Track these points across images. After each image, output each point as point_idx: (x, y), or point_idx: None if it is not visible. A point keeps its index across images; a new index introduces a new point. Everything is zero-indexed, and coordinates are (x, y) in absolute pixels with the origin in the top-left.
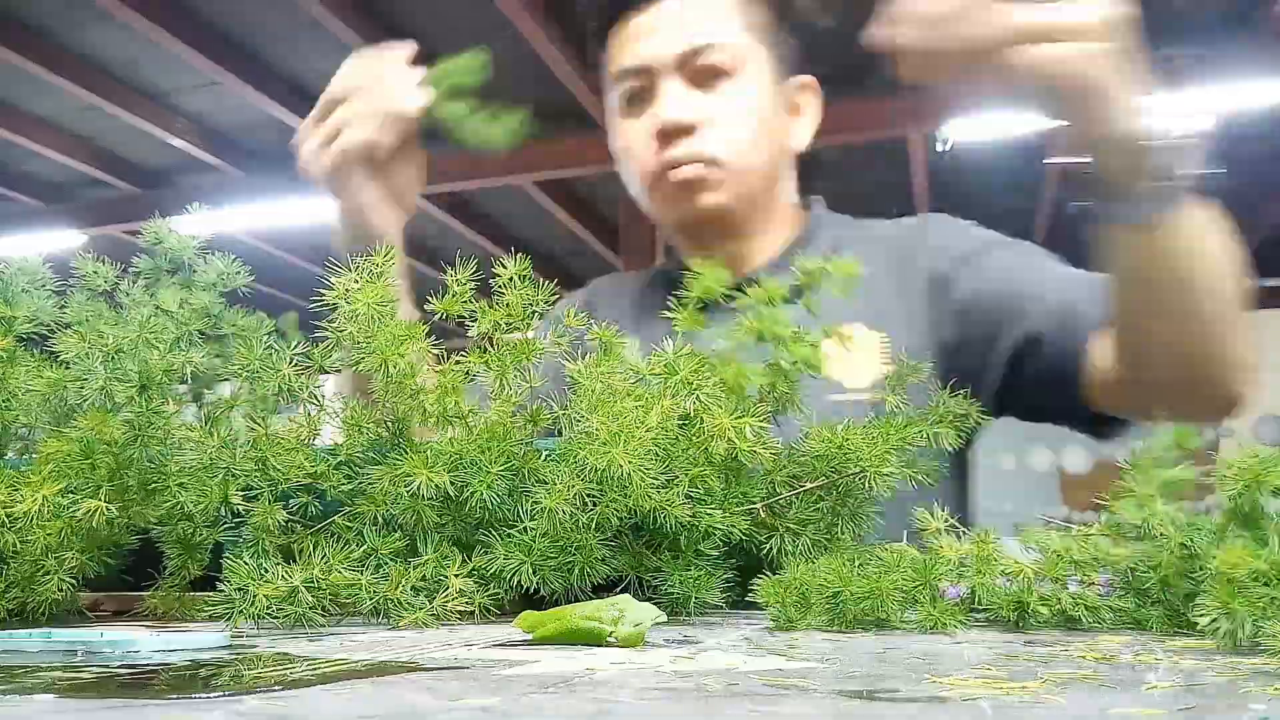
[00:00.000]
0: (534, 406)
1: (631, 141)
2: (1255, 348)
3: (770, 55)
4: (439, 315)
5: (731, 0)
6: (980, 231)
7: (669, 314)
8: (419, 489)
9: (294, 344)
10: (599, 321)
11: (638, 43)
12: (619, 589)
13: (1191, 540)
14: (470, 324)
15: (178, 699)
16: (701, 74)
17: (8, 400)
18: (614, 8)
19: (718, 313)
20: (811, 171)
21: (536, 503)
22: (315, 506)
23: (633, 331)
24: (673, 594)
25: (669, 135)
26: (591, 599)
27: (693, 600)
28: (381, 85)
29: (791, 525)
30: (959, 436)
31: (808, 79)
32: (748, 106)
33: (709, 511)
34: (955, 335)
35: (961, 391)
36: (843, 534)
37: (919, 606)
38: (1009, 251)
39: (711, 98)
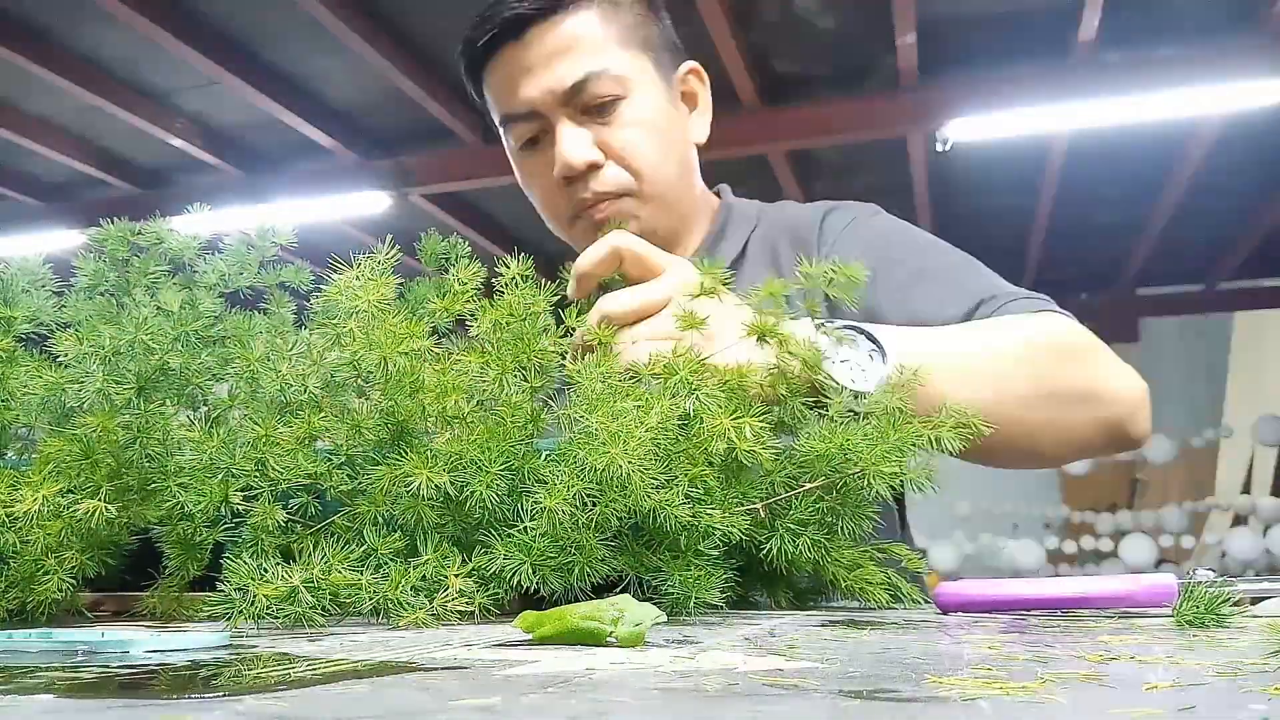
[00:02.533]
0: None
1: (537, 185)
2: (1115, 383)
3: (653, 58)
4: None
5: (597, 17)
6: (892, 235)
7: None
8: (419, 489)
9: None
10: None
11: (519, 85)
12: (619, 589)
13: None
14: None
15: (177, 699)
16: (591, 105)
17: (7, 400)
18: (486, 47)
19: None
20: (811, 172)
21: (536, 503)
22: (315, 506)
23: None
24: (673, 594)
25: (574, 178)
26: (591, 599)
27: (693, 600)
28: None
29: (791, 525)
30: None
31: (691, 64)
32: (647, 123)
33: (709, 511)
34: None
35: None
36: (843, 533)
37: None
38: (904, 271)
39: (608, 126)
